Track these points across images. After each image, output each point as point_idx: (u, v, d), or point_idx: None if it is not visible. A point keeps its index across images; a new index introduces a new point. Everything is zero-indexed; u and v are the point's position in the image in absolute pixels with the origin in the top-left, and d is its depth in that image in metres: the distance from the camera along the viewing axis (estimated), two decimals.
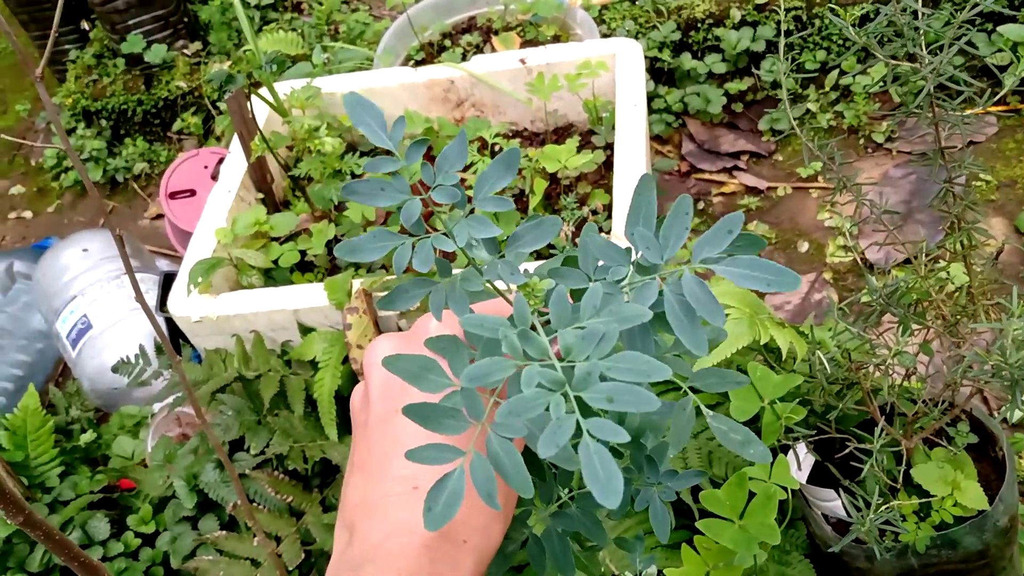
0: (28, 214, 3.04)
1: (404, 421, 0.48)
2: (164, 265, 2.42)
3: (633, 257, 0.48)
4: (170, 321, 1.66)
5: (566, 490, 0.62)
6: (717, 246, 0.45)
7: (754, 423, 1.20)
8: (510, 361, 0.41)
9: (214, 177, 1.81)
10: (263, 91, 1.84)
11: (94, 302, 2.10)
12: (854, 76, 2.55)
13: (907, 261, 1.16)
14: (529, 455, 0.59)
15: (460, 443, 0.43)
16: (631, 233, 0.48)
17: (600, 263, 0.49)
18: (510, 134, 2.00)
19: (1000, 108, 2.50)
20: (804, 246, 2.33)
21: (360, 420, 0.55)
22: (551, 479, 0.61)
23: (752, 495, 1.01)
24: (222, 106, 2.77)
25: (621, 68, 1.84)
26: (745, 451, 0.46)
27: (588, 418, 0.38)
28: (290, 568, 1.42)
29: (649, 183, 0.49)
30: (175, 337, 1.86)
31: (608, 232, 1.58)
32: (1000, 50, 2.39)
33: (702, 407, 0.46)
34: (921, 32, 0.88)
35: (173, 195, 2.14)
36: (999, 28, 2.38)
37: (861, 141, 2.54)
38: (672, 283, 0.45)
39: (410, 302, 0.54)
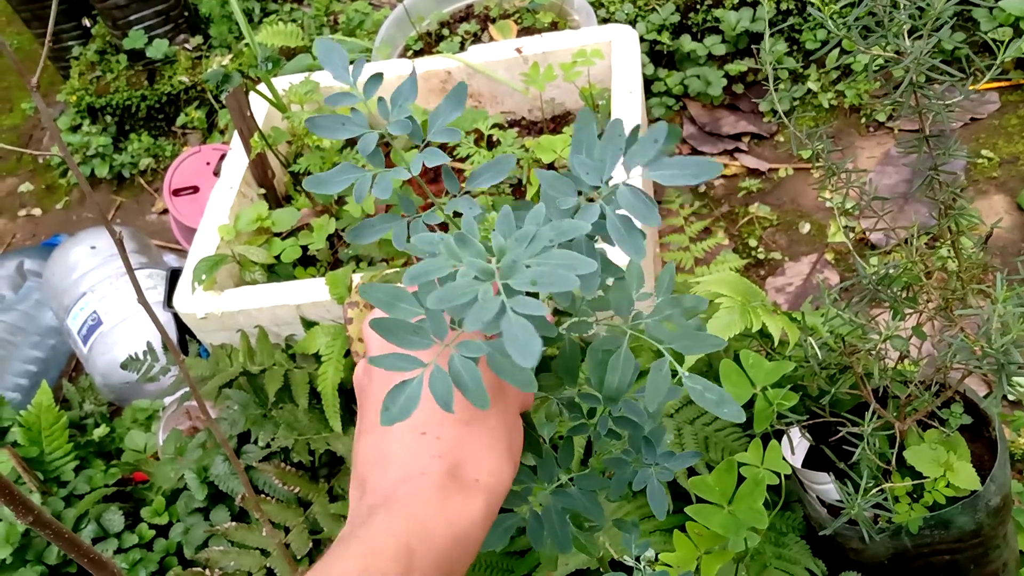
0: (37, 211, 3.08)
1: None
2: (172, 260, 2.45)
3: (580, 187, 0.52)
4: (178, 317, 1.69)
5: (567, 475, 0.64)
6: (646, 156, 0.48)
7: (747, 410, 1.22)
8: (449, 262, 0.44)
9: (216, 173, 1.83)
10: (262, 87, 1.85)
11: (103, 299, 2.14)
12: (855, 55, 2.53)
13: (908, 241, 1.16)
14: (528, 435, 0.61)
15: (425, 358, 0.46)
16: (573, 161, 0.51)
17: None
18: (507, 124, 2.00)
19: (1002, 84, 2.48)
20: (806, 227, 2.33)
21: (363, 388, 0.56)
22: (551, 459, 0.63)
23: (741, 480, 1.03)
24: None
25: (617, 55, 1.84)
26: (719, 410, 0.48)
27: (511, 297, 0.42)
28: (298, 557, 1.46)
29: (589, 117, 0.53)
30: (182, 333, 1.89)
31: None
32: (1001, 25, 2.37)
33: (678, 368, 0.47)
34: (903, 23, 0.89)
35: (177, 192, 2.16)
36: (1000, 2, 2.36)
37: (863, 120, 2.53)
38: (608, 199, 0.49)
39: (375, 235, 0.58)
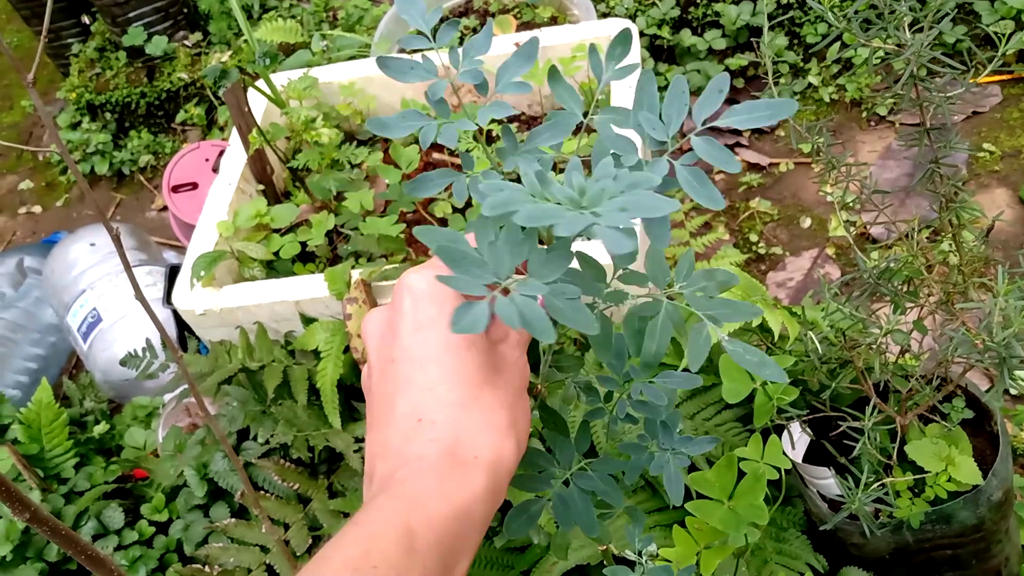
0: (38, 209, 3.07)
1: (400, 366, 0.51)
2: (172, 257, 2.45)
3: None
4: (177, 313, 1.68)
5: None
6: (712, 106, 0.49)
7: (747, 405, 1.21)
8: (528, 195, 0.44)
9: (215, 170, 1.83)
10: (260, 83, 1.85)
11: (103, 296, 2.13)
12: (855, 49, 2.52)
13: (909, 235, 1.16)
14: (553, 416, 0.61)
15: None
16: (637, 118, 0.51)
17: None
18: (506, 119, 2.00)
19: (1004, 77, 2.47)
20: (807, 222, 2.32)
21: (368, 389, 0.56)
22: (569, 443, 0.63)
23: (741, 476, 1.02)
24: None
25: None
26: (762, 371, 0.48)
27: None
28: (298, 554, 1.45)
29: (650, 79, 0.53)
30: (182, 330, 1.89)
31: None
32: (1003, 18, 2.36)
33: (718, 332, 0.47)
34: (904, 15, 0.88)
35: (175, 189, 2.16)
36: None
37: (864, 114, 2.52)
38: (677, 155, 0.49)
39: (433, 189, 0.58)
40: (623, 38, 0.55)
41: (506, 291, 0.45)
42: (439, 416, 0.50)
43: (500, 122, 1.92)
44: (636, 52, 1.81)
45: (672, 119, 0.50)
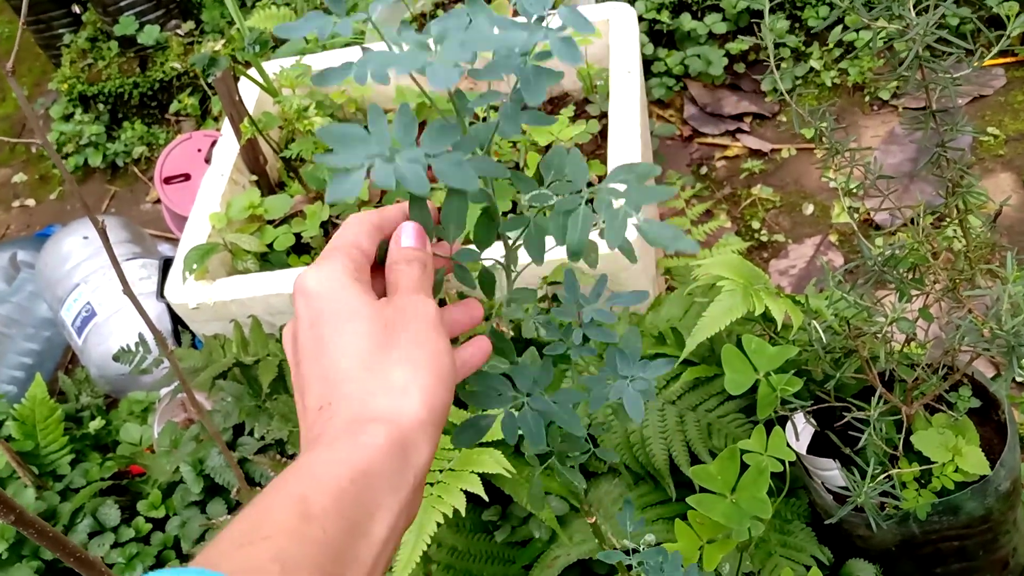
0: (31, 202, 3.05)
1: (303, 366, 0.52)
2: (167, 250, 2.42)
3: None
4: (172, 307, 1.66)
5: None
6: None
7: (750, 396, 1.19)
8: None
9: (208, 160, 1.80)
10: (252, 72, 1.82)
11: (97, 289, 2.11)
12: (858, 32, 2.49)
13: (914, 221, 1.13)
14: (498, 347, 0.62)
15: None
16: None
17: None
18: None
19: (1008, 60, 2.44)
20: (809, 208, 2.29)
21: (291, 362, 0.56)
22: (525, 371, 0.64)
23: (745, 469, 1.00)
24: None
25: (615, 34, 1.80)
26: (676, 245, 0.48)
27: None
28: None
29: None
30: (177, 324, 1.86)
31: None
32: (1007, 0, 2.32)
33: (632, 213, 0.49)
34: None
35: (168, 180, 2.13)
36: None
37: (867, 98, 2.49)
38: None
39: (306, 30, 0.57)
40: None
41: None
42: (335, 396, 0.50)
43: (496, 108, 1.88)
44: (635, 38, 1.78)
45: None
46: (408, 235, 0.56)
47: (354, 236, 0.55)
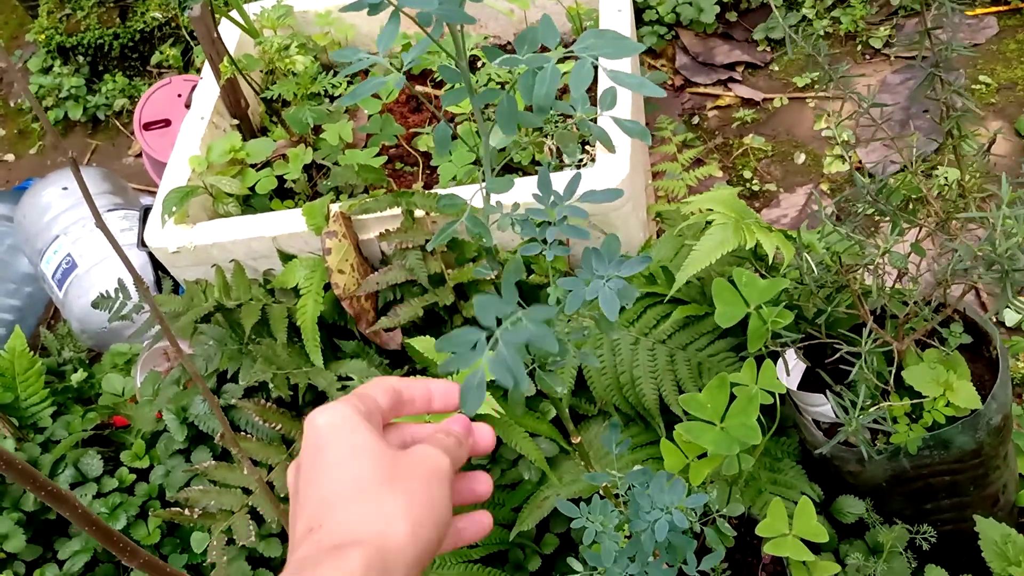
0: (10, 157, 2.99)
1: (302, 492, 0.53)
2: (149, 201, 2.38)
3: None
4: (154, 257, 1.62)
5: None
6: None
7: (741, 335, 1.17)
8: None
9: (188, 105, 1.75)
10: (234, 14, 1.77)
11: (77, 241, 2.07)
12: None
13: (904, 169, 1.11)
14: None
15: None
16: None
17: None
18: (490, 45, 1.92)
19: (1000, 8, 2.40)
20: (801, 158, 2.27)
21: (294, 490, 0.57)
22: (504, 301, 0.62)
23: (734, 399, 0.98)
24: None
25: None
26: (642, 89, 0.51)
27: None
28: (281, 495, 1.42)
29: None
30: (158, 272, 1.83)
31: (592, 147, 1.53)
32: None
33: (600, 64, 0.50)
34: None
35: (147, 126, 2.08)
36: None
37: (859, 47, 2.45)
38: None
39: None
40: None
41: None
42: (325, 519, 0.51)
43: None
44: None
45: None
46: (458, 423, 0.59)
47: (372, 390, 0.58)
